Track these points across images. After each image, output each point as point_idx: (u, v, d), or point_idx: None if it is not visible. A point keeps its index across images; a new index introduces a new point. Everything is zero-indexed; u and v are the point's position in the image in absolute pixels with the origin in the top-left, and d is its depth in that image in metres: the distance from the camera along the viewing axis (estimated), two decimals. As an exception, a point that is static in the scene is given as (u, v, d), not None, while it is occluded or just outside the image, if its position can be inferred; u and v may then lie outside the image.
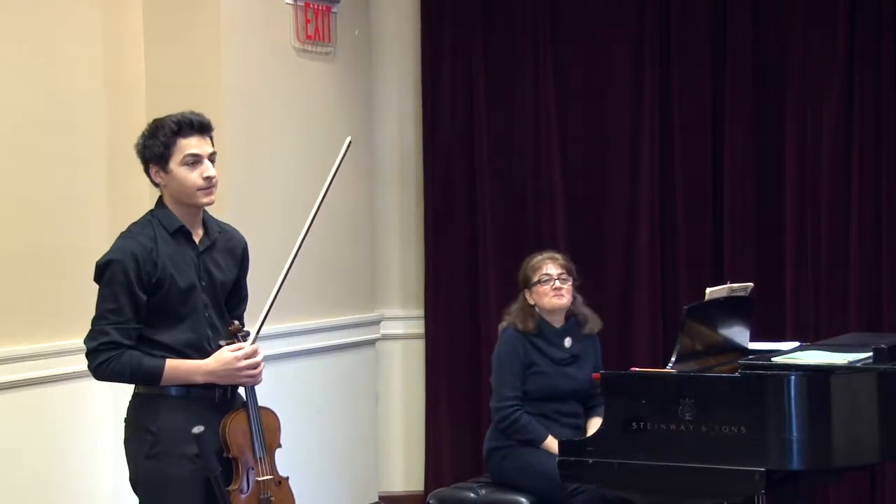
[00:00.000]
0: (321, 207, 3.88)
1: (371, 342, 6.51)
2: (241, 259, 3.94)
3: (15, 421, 4.80)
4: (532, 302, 5.10)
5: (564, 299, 5.08)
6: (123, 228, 5.30)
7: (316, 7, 5.95)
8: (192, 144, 3.71)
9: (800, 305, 5.86)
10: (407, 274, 6.66)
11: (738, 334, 4.76)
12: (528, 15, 6.35)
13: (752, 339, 4.84)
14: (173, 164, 3.70)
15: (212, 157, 3.75)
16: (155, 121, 3.78)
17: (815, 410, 4.03)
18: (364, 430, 6.37)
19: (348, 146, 3.95)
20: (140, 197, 5.35)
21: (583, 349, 5.15)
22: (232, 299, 3.91)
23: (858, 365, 4.13)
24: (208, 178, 3.71)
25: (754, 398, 4.05)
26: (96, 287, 5.12)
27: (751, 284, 4.87)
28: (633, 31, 6.18)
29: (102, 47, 5.23)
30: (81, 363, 5.01)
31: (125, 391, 5.27)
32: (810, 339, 4.99)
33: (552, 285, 5.05)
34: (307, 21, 5.90)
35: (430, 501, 5.07)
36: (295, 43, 5.85)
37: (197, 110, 5.31)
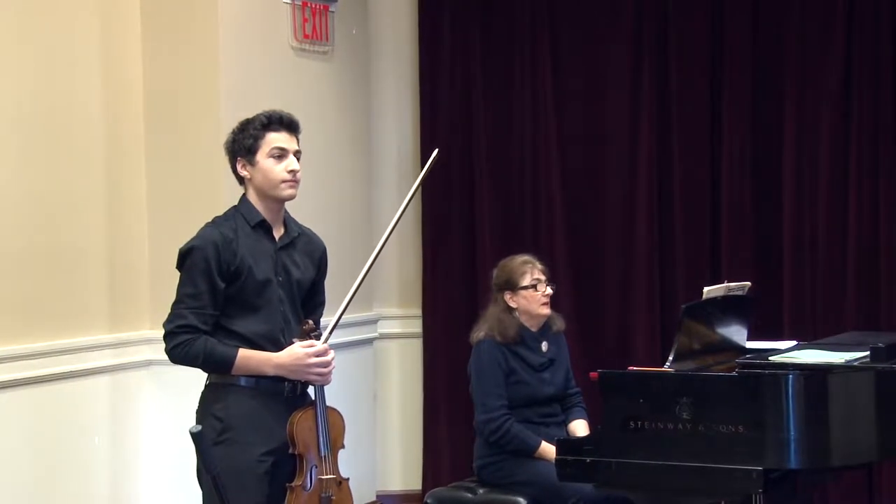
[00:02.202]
0: (404, 212, 4.04)
1: (369, 341, 6.50)
2: (319, 262, 4.07)
3: (13, 421, 4.79)
4: (515, 305, 5.01)
5: (549, 308, 5.03)
6: (121, 228, 5.33)
7: (314, 6, 5.95)
8: (279, 139, 3.87)
9: (797, 304, 5.86)
10: (404, 273, 6.66)
11: (736, 333, 4.76)
12: (527, 14, 6.35)
13: (750, 339, 4.84)
14: (260, 157, 3.85)
15: (297, 155, 3.89)
16: (245, 119, 3.92)
17: (812, 409, 4.02)
18: (362, 430, 6.36)
19: (436, 157, 4.10)
20: (138, 197, 5.37)
21: (556, 351, 5.10)
22: (309, 303, 4.04)
23: (856, 364, 4.14)
24: (292, 172, 3.86)
25: (752, 397, 4.05)
26: (96, 287, 5.17)
27: (748, 283, 4.86)
28: (631, 31, 6.18)
29: (100, 47, 5.22)
30: (79, 363, 5.05)
31: (123, 392, 5.30)
32: (808, 339, 4.99)
33: (543, 291, 4.98)
34: (304, 20, 5.90)
35: (428, 501, 5.06)
36: (292, 42, 5.85)
37: (194, 109, 5.38)
